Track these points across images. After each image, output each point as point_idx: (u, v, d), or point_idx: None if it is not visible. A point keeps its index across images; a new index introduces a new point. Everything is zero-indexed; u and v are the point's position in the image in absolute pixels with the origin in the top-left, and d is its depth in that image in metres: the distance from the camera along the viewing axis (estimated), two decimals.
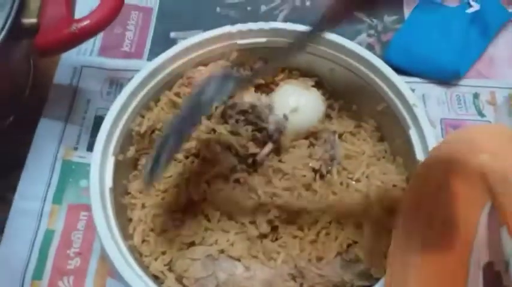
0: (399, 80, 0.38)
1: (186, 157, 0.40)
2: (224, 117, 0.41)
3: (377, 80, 0.39)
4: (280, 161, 0.39)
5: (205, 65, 0.41)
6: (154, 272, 0.35)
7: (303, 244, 0.36)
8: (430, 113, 0.48)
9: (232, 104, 0.40)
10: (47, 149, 0.46)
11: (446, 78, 0.51)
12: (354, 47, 0.40)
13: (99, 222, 0.33)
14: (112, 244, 0.32)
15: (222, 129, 0.39)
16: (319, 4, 0.56)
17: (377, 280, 0.32)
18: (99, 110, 0.49)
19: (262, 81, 0.43)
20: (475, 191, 0.30)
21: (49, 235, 0.42)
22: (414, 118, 0.37)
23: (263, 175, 0.39)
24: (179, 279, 0.35)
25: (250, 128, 0.40)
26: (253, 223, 0.37)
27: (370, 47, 0.53)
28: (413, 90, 0.40)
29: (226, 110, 0.40)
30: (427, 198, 0.30)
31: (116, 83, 0.51)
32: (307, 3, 0.56)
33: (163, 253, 0.36)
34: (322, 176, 0.39)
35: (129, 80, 0.39)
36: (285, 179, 0.38)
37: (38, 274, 0.41)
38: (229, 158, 0.39)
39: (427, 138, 0.35)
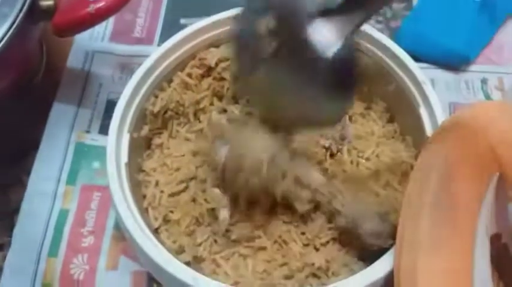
0: (408, 58, 0.39)
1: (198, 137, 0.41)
2: (235, 98, 0.41)
3: (387, 60, 0.40)
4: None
5: (217, 46, 0.42)
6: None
7: None
8: (438, 97, 0.49)
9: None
10: (60, 133, 0.47)
11: (456, 63, 0.51)
12: (365, 28, 0.40)
13: (116, 191, 0.34)
14: (128, 214, 0.33)
15: (234, 109, 0.40)
16: None
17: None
18: (110, 94, 0.50)
19: None
20: (482, 163, 0.31)
21: (63, 214, 0.43)
22: (424, 96, 0.37)
23: None
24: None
25: None
26: None
27: None
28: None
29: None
30: (437, 167, 0.31)
31: (127, 68, 0.51)
32: None
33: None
34: (332, 156, 0.39)
35: (143, 61, 0.40)
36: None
37: (53, 252, 0.41)
38: None
39: (436, 115, 0.36)
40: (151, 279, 0.40)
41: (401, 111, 0.40)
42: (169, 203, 0.38)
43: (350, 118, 0.42)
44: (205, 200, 0.37)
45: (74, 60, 0.51)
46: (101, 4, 0.38)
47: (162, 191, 0.38)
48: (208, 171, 0.38)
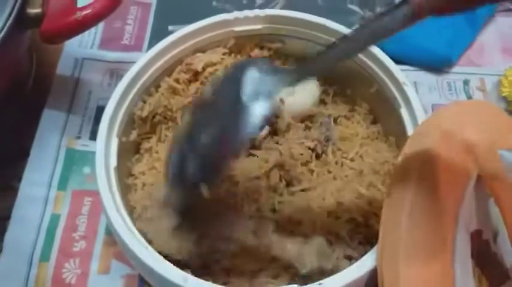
0: (389, 60, 0.40)
1: None
2: None
3: (369, 62, 0.41)
4: (277, 143, 0.41)
5: (204, 51, 0.43)
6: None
7: None
8: (422, 99, 0.49)
9: None
10: (50, 139, 0.48)
11: (438, 66, 0.53)
12: (347, 32, 0.41)
13: (105, 194, 0.34)
14: (118, 217, 0.33)
15: None
16: None
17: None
18: (100, 101, 0.50)
19: None
20: (460, 162, 0.32)
21: (55, 219, 0.44)
22: (405, 97, 0.38)
23: None
24: None
25: None
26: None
27: None
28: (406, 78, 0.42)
29: None
30: (415, 169, 0.32)
31: (116, 75, 0.52)
32: None
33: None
34: (317, 157, 0.40)
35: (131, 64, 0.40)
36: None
37: (45, 256, 0.42)
38: None
39: (417, 115, 0.37)
40: (142, 282, 0.40)
41: (384, 113, 0.41)
42: None
43: (335, 120, 0.43)
44: None
45: (63, 68, 0.52)
46: (87, 11, 0.39)
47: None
48: None
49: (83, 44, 0.54)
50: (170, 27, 0.56)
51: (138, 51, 0.54)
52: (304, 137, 0.40)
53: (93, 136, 0.48)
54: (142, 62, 0.40)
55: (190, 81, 0.43)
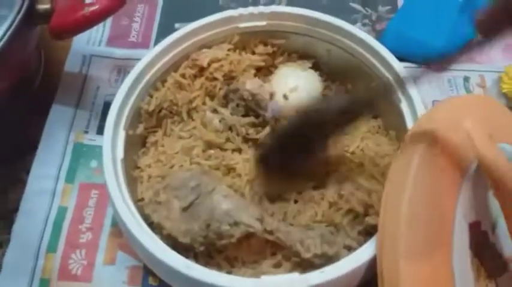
0: (390, 55, 0.40)
1: (190, 136, 0.42)
2: (226, 99, 0.43)
3: (370, 57, 0.41)
4: None
5: (209, 47, 0.44)
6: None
7: None
8: (422, 96, 0.50)
9: (234, 88, 0.42)
10: (58, 133, 0.49)
11: (438, 62, 0.53)
12: (350, 28, 0.43)
13: (112, 185, 0.35)
14: (124, 207, 0.34)
15: (224, 111, 0.42)
16: None
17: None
18: (107, 97, 0.51)
19: (262, 64, 0.45)
20: (460, 153, 0.32)
21: (62, 211, 0.45)
22: (404, 91, 0.39)
23: None
24: None
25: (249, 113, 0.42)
26: None
27: None
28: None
29: (229, 93, 0.43)
30: (416, 158, 0.32)
31: (123, 71, 0.53)
32: None
33: None
34: None
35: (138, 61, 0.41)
36: None
37: (52, 247, 0.43)
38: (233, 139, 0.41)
39: (416, 109, 0.38)
40: (147, 273, 0.41)
41: (385, 107, 0.42)
42: None
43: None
44: None
45: (71, 64, 0.53)
46: (95, 7, 0.40)
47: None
48: None
49: (91, 41, 0.55)
50: (176, 25, 0.57)
51: (145, 48, 0.55)
52: None
53: (100, 131, 0.48)
54: (149, 57, 0.41)
55: (195, 77, 0.44)
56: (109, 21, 0.56)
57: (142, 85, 0.41)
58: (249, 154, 0.40)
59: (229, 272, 0.36)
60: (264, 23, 0.44)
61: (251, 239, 0.35)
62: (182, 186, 0.36)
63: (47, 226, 0.44)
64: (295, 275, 0.33)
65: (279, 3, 0.58)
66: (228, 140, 0.41)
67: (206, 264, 0.36)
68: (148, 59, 0.41)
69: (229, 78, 0.43)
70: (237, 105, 0.42)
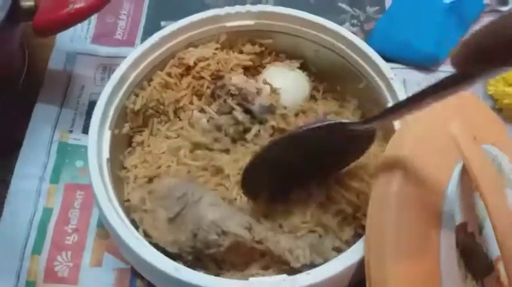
0: (377, 56, 0.40)
1: (177, 136, 0.42)
2: (213, 97, 0.43)
3: (358, 58, 0.41)
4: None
5: (196, 46, 0.43)
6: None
7: None
8: None
9: (221, 84, 0.42)
10: (43, 132, 0.48)
11: (426, 64, 0.54)
12: (337, 29, 0.42)
13: (97, 185, 0.35)
14: (110, 208, 0.34)
15: (211, 111, 0.41)
16: None
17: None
18: (92, 95, 0.51)
19: (250, 64, 0.45)
20: (445, 155, 0.33)
21: (47, 212, 0.44)
22: (392, 92, 0.39)
23: None
24: None
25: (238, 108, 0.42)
26: None
27: None
28: (394, 75, 0.43)
29: (216, 90, 0.42)
30: (400, 161, 0.32)
31: (108, 70, 0.52)
32: None
33: None
34: None
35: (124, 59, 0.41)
36: None
37: (37, 249, 0.42)
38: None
39: None
40: (134, 275, 0.41)
41: (372, 108, 0.42)
42: None
43: (325, 116, 0.44)
44: None
45: (55, 62, 0.52)
46: (80, 4, 0.40)
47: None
48: None
49: (75, 39, 0.54)
50: (162, 23, 0.56)
51: (130, 46, 0.54)
52: None
53: (85, 130, 0.48)
54: (135, 55, 0.41)
55: (182, 76, 0.43)
56: (94, 18, 0.55)
57: (128, 84, 0.40)
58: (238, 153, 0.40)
59: (217, 275, 0.35)
60: (251, 22, 0.44)
61: (240, 245, 0.35)
62: (168, 195, 0.36)
63: (32, 227, 0.43)
64: (284, 277, 0.33)
65: (266, 3, 0.58)
66: (216, 140, 0.41)
67: (194, 266, 0.36)
68: (134, 57, 0.41)
69: (216, 77, 0.43)
70: (224, 101, 0.42)
